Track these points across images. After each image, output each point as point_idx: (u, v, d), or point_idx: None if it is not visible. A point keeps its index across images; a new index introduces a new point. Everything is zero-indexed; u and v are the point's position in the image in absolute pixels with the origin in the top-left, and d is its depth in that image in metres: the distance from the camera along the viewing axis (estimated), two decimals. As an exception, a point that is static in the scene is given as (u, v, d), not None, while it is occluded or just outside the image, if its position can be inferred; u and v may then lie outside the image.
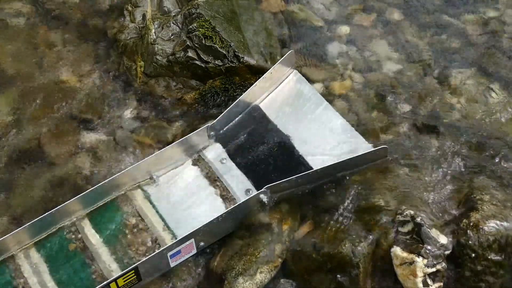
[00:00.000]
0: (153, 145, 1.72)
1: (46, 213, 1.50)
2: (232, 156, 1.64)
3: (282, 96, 1.77)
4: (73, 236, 1.53)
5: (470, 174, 1.55)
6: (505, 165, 1.58)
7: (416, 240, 1.40)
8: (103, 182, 1.55)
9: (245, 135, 1.68)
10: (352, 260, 1.40)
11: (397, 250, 1.39)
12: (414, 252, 1.37)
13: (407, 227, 1.42)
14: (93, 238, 1.52)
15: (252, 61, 1.78)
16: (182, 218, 1.55)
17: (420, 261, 1.36)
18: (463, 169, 1.58)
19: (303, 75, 1.81)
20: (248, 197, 1.49)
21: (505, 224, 1.40)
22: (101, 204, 1.58)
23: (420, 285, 1.36)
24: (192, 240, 1.45)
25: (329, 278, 1.42)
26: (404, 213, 1.43)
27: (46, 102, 1.81)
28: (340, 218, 1.49)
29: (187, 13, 1.87)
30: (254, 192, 1.54)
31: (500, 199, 1.45)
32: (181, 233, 1.49)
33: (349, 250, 1.41)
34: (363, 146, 1.63)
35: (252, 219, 1.50)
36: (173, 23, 1.88)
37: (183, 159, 1.66)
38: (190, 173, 1.64)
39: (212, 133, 1.66)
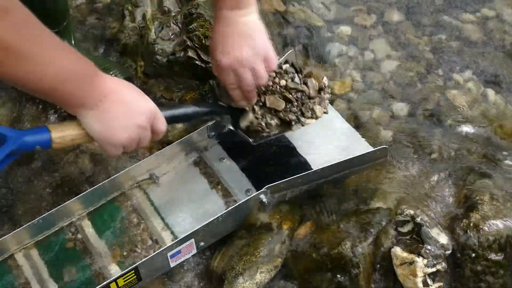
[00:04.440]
0: (153, 145, 1.72)
1: (46, 213, 1.50)
2: (232, 156, 1.64)
3: (282, 96, 1.77)
4: (73, 236, 1.54)
5: (470, 174, 1.55)
6: (505, 166, 1.58)
7: (416, 240, 1.40)
8: (103, 182, 1.55)
9: (245, 135, 1.68)
10: (352, 260, 1.40)
11: (397, 250, 1.39)
12: (414, 252, 1.37)
13: (407, 227, 1.42)
14: (93, 238, 1.52)
15: (252, 61, 1.78)
16: (182, 218, 1.55)
17: (420, 261, 1.36)
18: (463, 169, 1.58)
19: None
20: (248, 197, 1.48)
21: (505, 224, 1.40)
22: (101, 204, 1.58)
23: (420, 285, 1.36)
24: (192, 240, 1.45)
25: (329, 278, 1.42)
26: (404, 213, 1.43)
27: (46, 102, 1.81)
28: (340, 218, 1.49)
29: (187, 13, 1.87)
30: (254, 192, 1.53)
31: (500, 199, 1.45)
32: (181, 233, 1.49)
33: (349, 250, 1.41)
34: (363, 146, 1.63)
35: (252, 219, 1.50)
36: (173, 23, 1.88)
37: (183, 159, 1.66)
38: (190, 173, 1.64)
39: (212, 133, 1.66)
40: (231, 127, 1.50)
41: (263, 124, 1.48)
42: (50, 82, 1.10)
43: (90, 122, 1.19)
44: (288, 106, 1.49)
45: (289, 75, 1.52)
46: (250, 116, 1.47)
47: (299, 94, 1.49)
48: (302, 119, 1.50)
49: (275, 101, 1.47)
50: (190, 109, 1.45)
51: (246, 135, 1.49)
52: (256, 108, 1.48)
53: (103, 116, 1.18)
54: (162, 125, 1.30)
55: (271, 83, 1.48)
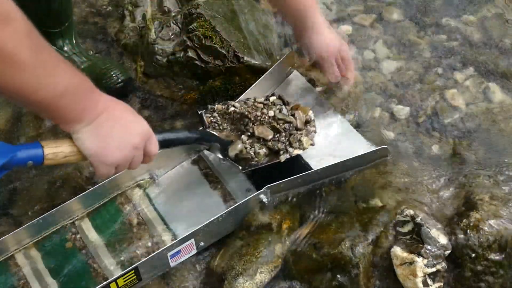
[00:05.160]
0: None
1: (46, 213, 1.50)
2: (232, 156, 1.64)
3: (282, 96, 1.77)
4: (73, 236, 1.54)
5: (470, 174, 1.55)
6: (505, 165, 1.58)
7: (416, 240, 1.40)
8: (103, 182, 1.55)
9: (245, 135, 1.68)
10: (352, 260, 1.40)
11: (397, 250, 1.39)
12: (414, 252, 1.37)
13: (407, 227, 1.42)
14: (93, 238, 1.52)
15: (252, 61, 1.78)
16: (182, 218, 1.55)
17: (420, 261, 1.36)
18: (463, 169, 1.58)
19: (303, 75, 1.81)
20: (248, 197, 1.48)
21: (505, 224, 1.40)
22: (101, 204, 1.58)
23: (420, 285, 1.36)
24: (192, 240, 1.45)
25: (329, 278, 1.42)
26: (404, 213, 1.43)
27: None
28: (340, 218, 1.49)
29: (187, 13, 1.87)
30: (254, 192, 1.53)
31: (500, 199, 1.45)
32: (181, 233, 1.49)
33: (349, 250, 1.41)
34: (364, 146, 1.63)
35: (252, 219, 1.50)
36: (173, 23, 1.88)
37: (183, 159, 1.66)
38: (190, 172, 1.64)
39: (212, 133, 1.66)
40: (220, 155, 1.52)
41: (252, 153, 1.50)
42: (47, 95, 1.07)
43: (85, 138, 1.16)
44: (276, 136, 1.52)
45: (277, 107, 1.56)
46: (239, 145, 1.49)
47: (287, 125, 1.53)
48: (290, 149, 1.52)
49: (264, 131, 1.51)
50: (181, 134, 1.48)
51: (235, 163, 1.51)
52: (245, 137, 1.51)
53: (98, 133, 1.16)
54: (154, 147, 1.29)
55: (259, 114, 1.52)
